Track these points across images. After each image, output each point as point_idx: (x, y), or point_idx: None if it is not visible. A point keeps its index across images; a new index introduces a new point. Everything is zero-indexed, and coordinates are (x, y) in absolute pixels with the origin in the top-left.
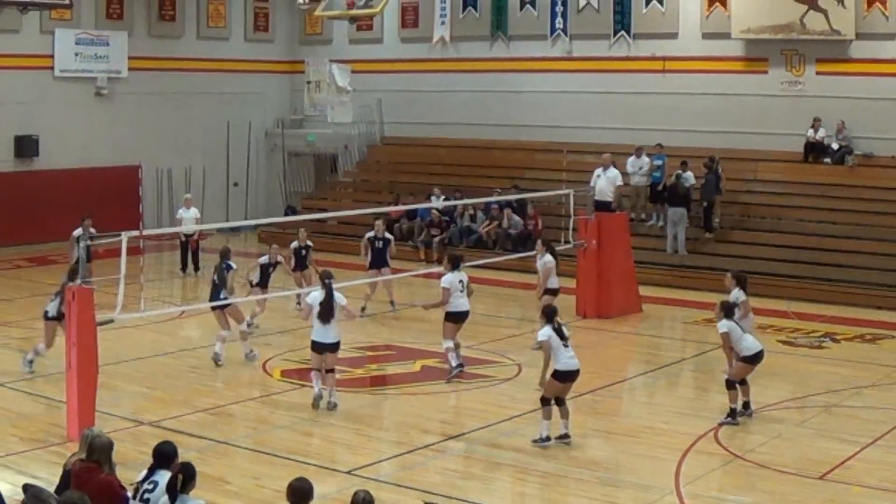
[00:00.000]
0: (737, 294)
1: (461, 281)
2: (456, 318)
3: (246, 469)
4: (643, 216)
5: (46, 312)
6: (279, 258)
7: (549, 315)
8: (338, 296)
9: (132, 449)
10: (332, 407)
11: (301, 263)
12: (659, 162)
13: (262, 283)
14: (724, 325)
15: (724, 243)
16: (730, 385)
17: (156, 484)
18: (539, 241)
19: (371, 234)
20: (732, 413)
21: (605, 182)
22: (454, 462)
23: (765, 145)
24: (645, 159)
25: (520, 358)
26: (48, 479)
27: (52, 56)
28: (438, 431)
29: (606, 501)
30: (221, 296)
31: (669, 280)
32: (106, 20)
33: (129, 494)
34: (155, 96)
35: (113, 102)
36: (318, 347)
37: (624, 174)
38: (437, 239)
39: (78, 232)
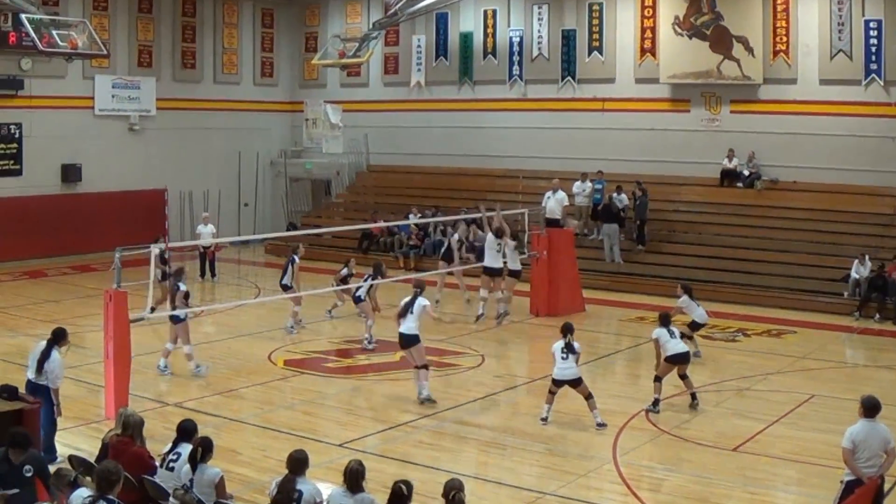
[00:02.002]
0: (684, 301)
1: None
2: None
3: (254, 442)
4: (586, 231)
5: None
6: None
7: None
8: (421, 299)
9: (159, 425)
10: (423, 401)
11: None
12: (599, 186)
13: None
14: (655, 332)
15: (653, 254)
16: (656, 379)
17: (179, 455)
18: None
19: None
20: (656, 402)
21: (554, 203)
22: (428, 436)
23: (687, 172)
24: (588, 184)
25: (483, 350)
26: (89, 451)
27: (92, 97)
28: (415, 411)
29: (555, 469)
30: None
31: (608, 284)
32: (138, 68)
33: (157, 463)
34: (178, 131)
35: (143, 136)
36: (400, 340)
37: (570, 196)
38: (413, 250)
39: (157, 250)
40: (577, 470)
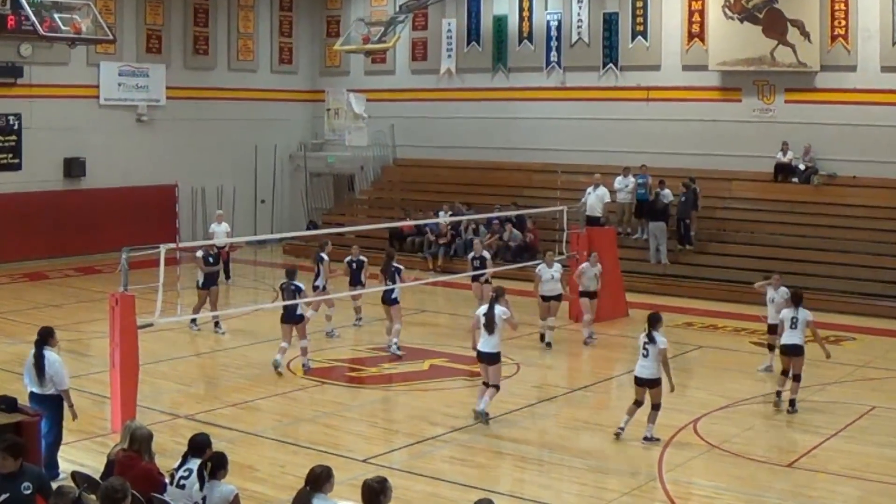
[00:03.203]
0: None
1: None
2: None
3: (272, 458)
4: (629, 230)
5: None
6: (360, 257)
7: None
8: (500, 309)
9: (169, 440)
10: (479, 415)
11: (356, 278)
12: (642, 181)
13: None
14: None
15: (702, 254)
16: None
17: (190, 471)
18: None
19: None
20: (778, 394)
21: (595, 199)
22: (459, 451)
23: (738, 166)
24: (631, 179)
25: (518, 357)
26: (94, 467)
27: (97, 86)
28: (445, 424)
29: (596, 487)
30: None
31: (653, 288)
32: (146, 54)
33: (167, 481)
34: (190, 122)
35: (152, 128)
36: (479, 357)
37: (612, 192)
38: (442, 250)
39: (200, 254)
40: (621, 488)
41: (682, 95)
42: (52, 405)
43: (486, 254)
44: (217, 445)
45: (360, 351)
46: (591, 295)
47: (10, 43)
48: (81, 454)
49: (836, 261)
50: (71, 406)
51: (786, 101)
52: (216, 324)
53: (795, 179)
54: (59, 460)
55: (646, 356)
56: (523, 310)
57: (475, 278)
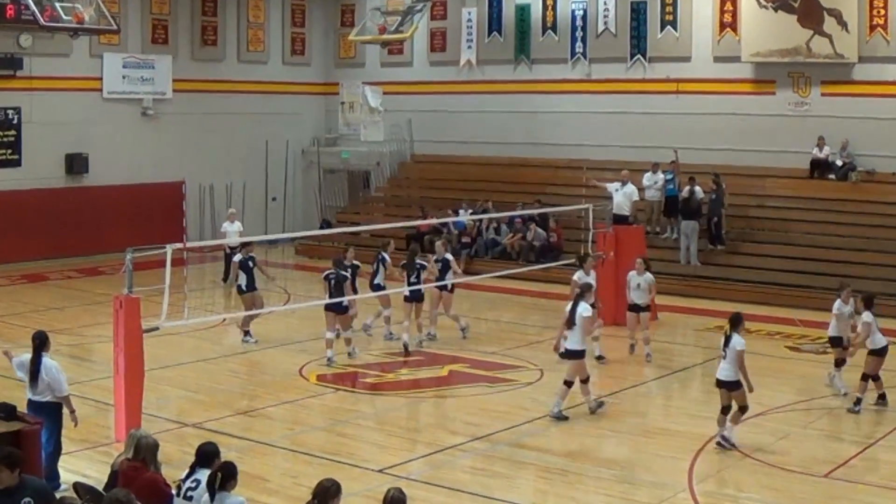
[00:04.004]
0: (868, 317)
1: None
2: None
3: (284, 468)
4: (657, 229)
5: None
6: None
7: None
8: (582, 306)
9: (176, 449)
10: (554, 416)
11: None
12: (671, 177)
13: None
14: (866, 315)
15: (733, 255)
16: (864, 378)
17: (198, 482)
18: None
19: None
20: (858, 402)
21: (622, 197)
22: (480, 461)
23: (772, 162)
24: (660, 175)
25: (542, 363)
26: (97, 478)
27: (100, 78)
28: (465, 432)
29: (623, 499)
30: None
31: (682, 290)
32: (151, 45)
33: (174, 492)
34: (198, 116)
35: (158, 122)
36: (562, 355)
37: (640, 189)
38: (464, 251)
39: (238, 257)
40: (649, 499)
41: (714, 88)
42: (51, 413)
43: (450, 256)
44: (226, 455)
45: (377, 355)
46: (637, 309)
47: (9, 33)
48: (83, 464)
49: (874, 261)
50: (72, 412)
51: (822, 94)
52: (246, 332)
53: (832, 176)
54: (61, 471)
55: (724, 358)
56: (546, 312)
57: (440, 286)
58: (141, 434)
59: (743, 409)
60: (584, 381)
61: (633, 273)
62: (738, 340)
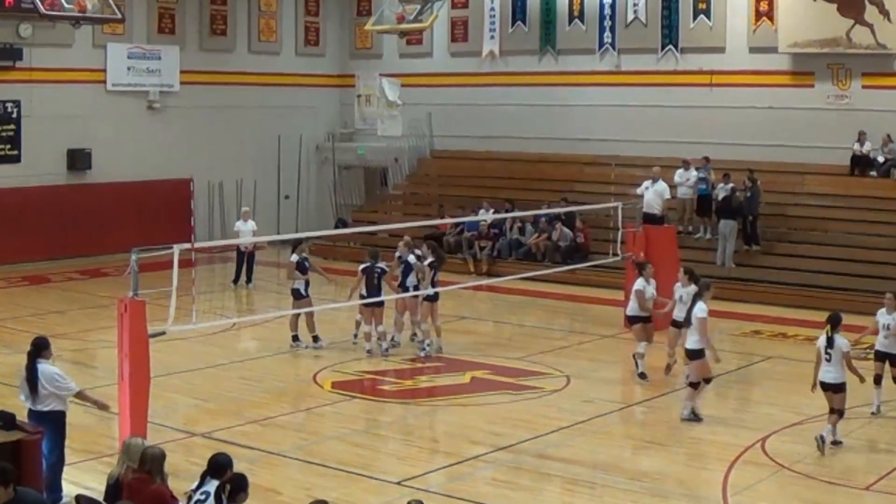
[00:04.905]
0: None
1: None
2: None
3: (297, 480)
4: (690, 229)
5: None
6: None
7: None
8: (699, 306)
9: (183, 460)
10: (686, 419)
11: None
12: (704, 175)
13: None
14: None
15: (770, 256)
16: None
17: (208, 494)
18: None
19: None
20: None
21: (653, 195)
22: (503, 473)
23: (811, 158)
24: (692, 172)
25: (568, 369)
26: (100, 490)
27: (104, 70)
28: (488, 442)
29: None
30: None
31: (716, 293)
32: (158, 34)
33: None
34: (206, 110)
35: (165, 116)
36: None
37: (672, 186)
38: (485, 251)
39: (295, 257)
40: None
41: (749, 80)
42: (53, 422)
43: (412, 258)
44: (237, 467)
45: (397, 361)
46: (679, 324)
47: (8, 22)
48: (86, 476)
49: None
50: (95, 401)
51: (863, 87)
52: (315, 337)
53: (874, 173)
54: (63, 482)
55: (829, 360)
56: (573, 316)
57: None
58: (133, 441)
59: (839, 412)
60: (707, 381)
61: (678, 284)
62: (842, 342)
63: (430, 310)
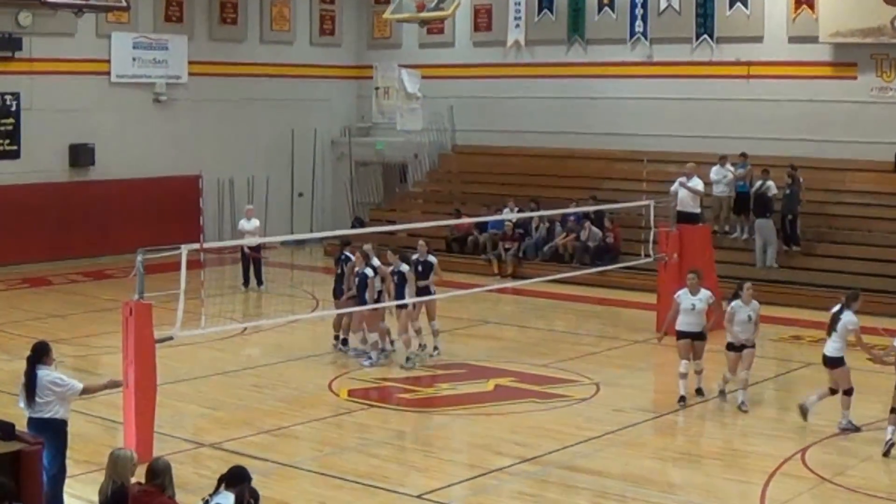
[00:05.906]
0: None
1: None
2: None
3: (312, 493)
4: (726, 228)
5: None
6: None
7: None
8: (848, 317)
9: (191, 472)
10: (842, 429)
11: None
12: (742, 171)
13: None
14: None
15: (809, 256)
16: None
17: None
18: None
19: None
20: None
21: (687, 193)
22: (529, 486)
23: (853, 154)
24: (729, 168)
25: (598, 377)
26: None
27: (108, 61)
28: (512, 453)
29: None
30: None
31: (754, 295)
32: (165, 23)
33: None
34: (216, 103)
35: (172, 109)
36: (823, 359)
37: (707, 184)
38: (510, 252)
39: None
40: None
41: (788, 72)
42: (54, 431)
43: (434, 258)
44: None
45: (413, 369)
46: (737, 348)
47: (6, 11)
48: (89, 488)
49: None
50: (105, 386)
51: None
52: (392, 343)
53: None
54: (65, 496)
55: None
56: (603, 320)
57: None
58: (125, 455)
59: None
60: (833, 391)
61: (737, 303)
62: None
63: (408, 317)
